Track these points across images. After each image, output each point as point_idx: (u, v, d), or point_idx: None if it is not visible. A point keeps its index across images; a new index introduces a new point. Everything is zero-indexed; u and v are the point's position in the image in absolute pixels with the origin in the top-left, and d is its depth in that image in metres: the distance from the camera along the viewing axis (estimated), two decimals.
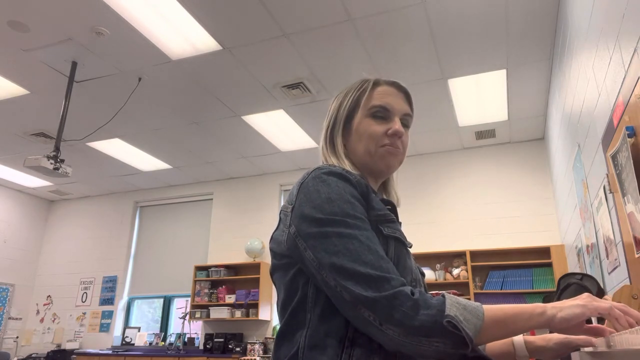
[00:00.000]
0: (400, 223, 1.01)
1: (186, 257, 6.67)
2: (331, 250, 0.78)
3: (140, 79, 4.26)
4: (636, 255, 1.90)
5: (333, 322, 0.79)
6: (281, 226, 0.88)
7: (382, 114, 0.99)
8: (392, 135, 0.97)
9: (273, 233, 0.91)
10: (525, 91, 4.46)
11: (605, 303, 0.74)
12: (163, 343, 6.35)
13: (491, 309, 0.74)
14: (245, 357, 5.29)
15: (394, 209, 0.97)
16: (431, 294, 0.78)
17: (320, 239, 0.79)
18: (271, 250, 0.91)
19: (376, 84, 1.03)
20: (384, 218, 0.87)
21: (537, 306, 0.75)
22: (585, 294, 0.77)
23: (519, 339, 1.04)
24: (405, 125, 1.03)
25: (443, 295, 0.75)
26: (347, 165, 0.96)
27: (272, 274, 0.93)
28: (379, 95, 1.01)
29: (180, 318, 6.14)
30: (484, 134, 5.36)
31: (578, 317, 0.73)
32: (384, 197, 1.05)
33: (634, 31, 1.68)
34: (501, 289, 4.84)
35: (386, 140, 0.97)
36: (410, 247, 0.98)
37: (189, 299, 6.16)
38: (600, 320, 1.54)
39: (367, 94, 1.01)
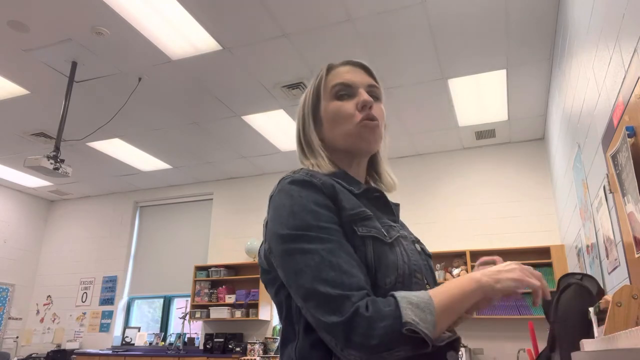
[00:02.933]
0: (397, 205, 0.97)
1: (186, 257, 6.67)
2: (294, 269, 0.76)
3: (140, 79, 4.26)
4: (636, 255, 1.90)
5: (317, 334, 0.76)
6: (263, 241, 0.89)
7: (345, 91, 0.95)
8: (363, 108, 0.93)
9: (259, 247, 0.90)
10: (525, 91, 4.46)
11: (536, 281, 0.76)
12: (163, 343, 6.35)
13: (438, 297, 0.73)
14: (245, 357, 5.29)
15: (382, 196, 0.94)
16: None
17: (285, 257, 0.78)
18: (259, 265, 0.91)
19: (330, 68, 1.00)
20: (357, 217, 0.82)
21: (472, 279, 0.75)
22: (514, 264, 0.78)
23: None
24: (375, 96, 0.97)
25: (393, 296, 0.72)
26: (324, 159, 0.93)
27: (265, 287, 0.92)
28: (336, 76, 0.97)
29: (180, 318, 6.14)
30: (484, 134, 5.36)
31: (513, 290, 0.75)
32: (372, 184, 1.00)
33: (634, 31, 1.68)
34: None
35: (359, 116, 0.93)
36: (416, 241, 0.94)
37: (189, 299, 6.16)
38: (601, 320, 1.54)
39: (325, 79, 0.98)
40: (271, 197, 0.86)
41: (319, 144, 0.96)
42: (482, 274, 0.76)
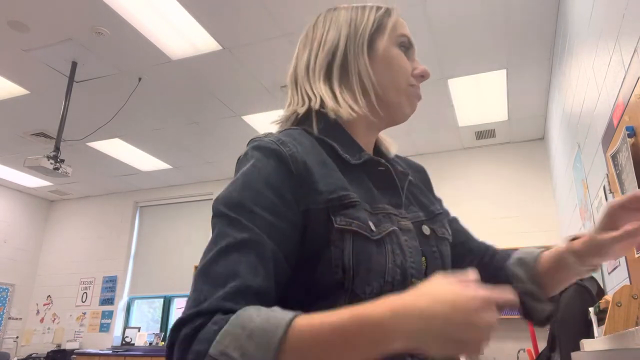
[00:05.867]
0: (405, 174, 0.80)
1: (186, 257, 6.67)
2: (205, 249, 0.63)
3: (140, 79, 4.26)
4: (636, 255, 1.90)
5: None
6: None
7: (407, 47, 0.80)
8: (419, 76, 0.80)
9: None
10: (525, 91, 4.46)
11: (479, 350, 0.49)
12: (163, 343, 6.35)
13: (302, 328, 0.50)
14: None
15: (387, 172, 0.76)
16: None
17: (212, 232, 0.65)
18: None
19: (391, 11, 0.82)
20: (337, 203, 0.65)
21: (378, 325, 0.49)
22: (478, 300, 0.48)
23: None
24: None
25: (233, 310, 0.53)
26: (361, 100, 0.75)
27: None
28: (401, 26, 0.81)
29: None
30: (484, 134, 5.36)
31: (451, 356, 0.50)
32: (371, 156, 0.77)
33: (634, 31, 1.68)
34: None
35: (413, 80, 0.79)
36: (428, 221, 0.77)
37: None
38: (601, 320, 1.54)
39: (390, 18, 0.80)
40: (238, 160, 0.72)
41: (372, 78, 0.76)
42: (409, 312, 0.49)
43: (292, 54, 0.86)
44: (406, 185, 0.79)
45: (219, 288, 0.55)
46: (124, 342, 6.48)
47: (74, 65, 4.03)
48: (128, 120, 5.05)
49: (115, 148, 5.79)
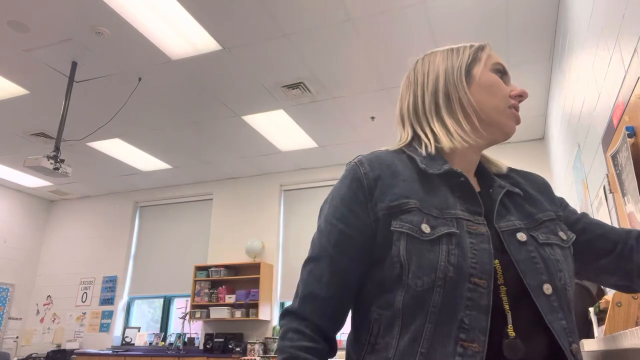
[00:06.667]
0: (502, 187, 0.85)
1: (186, 257, 6.67)
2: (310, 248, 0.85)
3: (140, 79, 4.26)
4: None
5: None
6: None
7: (502, 73, 0.89)
8: (517, 96, 0.87)
9: None
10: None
11: None
12: (163, 343, 6.35)
13: None
14: (245, 357, 5.29)
15: (466, 183, 0.81)
16: None
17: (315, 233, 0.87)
18: None
19: (484, 46, 0.92)
20: (396, 209, 0.77)
21: None
22: None
23: None
24: None
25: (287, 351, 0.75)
26: (466, 125, 0.84)
27: None
28: (495, 56, 0.90)
29: (180, 318, 6.14)
30: None
31: None
32: (452, 168, 0.83)
33: (634, 31, 1.68)
34: None
35: (511, 101, 0.86)
36: (528, 229, 0.80)
37: (189, 299, 6.16)
38: (601, 320, 1.54)
39: (483, 51, 0.90)
40: None
41: (473, 102, 0.85)
42: None
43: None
44: (500, 197, 0.84)
45: (298, 292, 0.81)
46: (124, 342, 6.49)
47: (74, 65, 4.03)
48: (128, 120, 5.05)
49: (115, 148, 5.79)
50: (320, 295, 0.78)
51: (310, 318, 0.77)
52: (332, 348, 0.79)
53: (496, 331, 0.69)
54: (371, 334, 0.76)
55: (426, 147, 0.85)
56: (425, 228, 0.75)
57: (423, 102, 0.89)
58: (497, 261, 0.74)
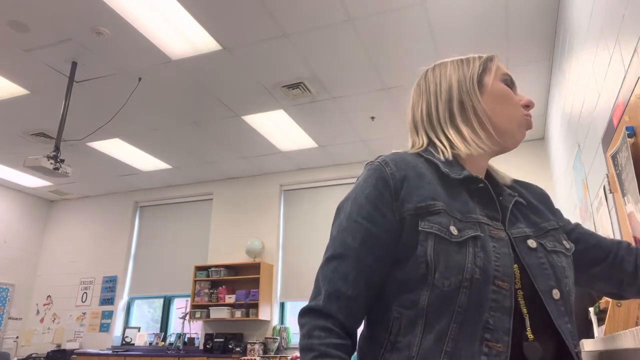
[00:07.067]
0: (513, 196, 0.89)
1: (186, 257, 6.67)
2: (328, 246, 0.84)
3: (140, 79, 4.26)
4: None
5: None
6: None
7: (510, 83, 0.92)
8: (525, 106, 0.90)
9: None
10: (525, 91, 4.45)
11: None
12: (163, 343, 6.35)
13: None
14: (245, 357, 5.29)
15: (485, 189, 0.85)
16: None
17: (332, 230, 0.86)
18: None
19: (493, 58, 0.96)
20: (424, 210, 0.78)
21: None
22: None
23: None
24: None
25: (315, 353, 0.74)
26: (481, 131, 0.87)
27: None
28: (503, 67, 0.94)
29: (180, 318, 6.14)
30: None
31: None
32: (471, 174, 0.86)
33: (634, 31, 1.68)
34: None
35: (523, 110, 0.90)
36: (536, 237, 0.84)
37: (189, 299, 6.16)
38: (601, 320, 1.54)
39: (492, 62, 0.93)
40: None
41: (486, 110, 0.88)
42: None
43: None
44: (511, 205, 0.87)
45: (320, 290, 0.80)
46: (124, 342, 6.49)
47: (74, 65, 4.03)
48: (128, 120, 5.05)
49: (115, 148, 5.79)
50: (346, 294, 0.78)
51: (336, 316, 0.77)
52: (355, 345, 0.80)
53: (516, 333, 0.72)
54: (391, 333, 0.76)
55: (443, 153, 0.87)
56: (454, 230, 0.77)
57: (437, 110, 0.91)
58: (515, 265, 0.78)
